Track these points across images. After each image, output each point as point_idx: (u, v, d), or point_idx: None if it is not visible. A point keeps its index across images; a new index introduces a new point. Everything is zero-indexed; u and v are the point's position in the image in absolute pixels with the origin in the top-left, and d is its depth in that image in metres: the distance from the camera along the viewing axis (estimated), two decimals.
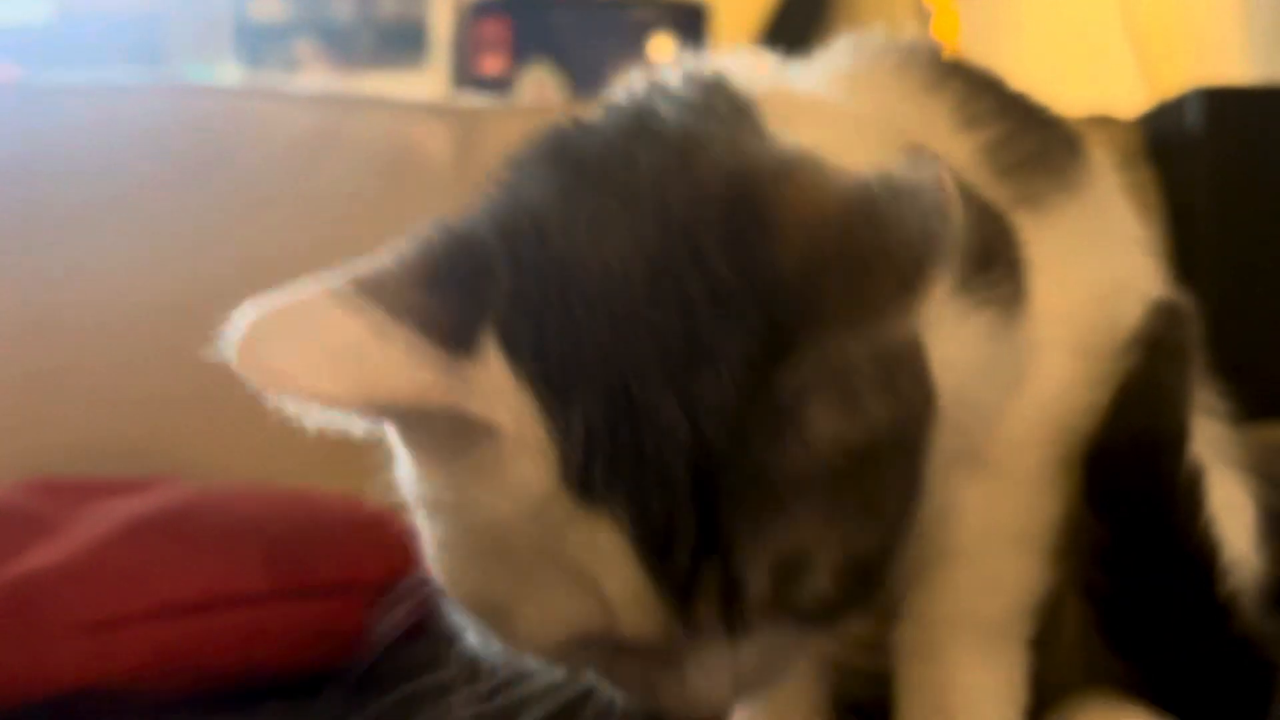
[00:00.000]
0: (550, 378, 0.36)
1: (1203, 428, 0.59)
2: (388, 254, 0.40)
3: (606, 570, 0.37)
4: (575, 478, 0.36)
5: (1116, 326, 0.55)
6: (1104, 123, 1.41)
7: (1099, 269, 0.56)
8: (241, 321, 0.37)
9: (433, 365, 0.36)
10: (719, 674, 0.40)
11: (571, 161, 0.42)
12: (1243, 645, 0.53)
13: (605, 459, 0.36)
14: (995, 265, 0.50)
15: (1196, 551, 0.52)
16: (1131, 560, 0.52)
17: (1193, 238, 1.31)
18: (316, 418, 0.38)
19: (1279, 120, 1.31)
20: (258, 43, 4.01)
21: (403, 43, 4.03)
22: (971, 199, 0.50)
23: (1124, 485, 0.52)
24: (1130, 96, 1.65)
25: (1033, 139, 0.58)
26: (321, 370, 0.36)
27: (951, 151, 0.53)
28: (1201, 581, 0.52)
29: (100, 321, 1.15)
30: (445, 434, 0.38)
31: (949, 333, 0.46)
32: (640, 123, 0.44)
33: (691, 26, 3.35)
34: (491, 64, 3.64)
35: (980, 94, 0.57)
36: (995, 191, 0.53)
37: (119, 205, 1.20)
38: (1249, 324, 1.28)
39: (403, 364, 0.36)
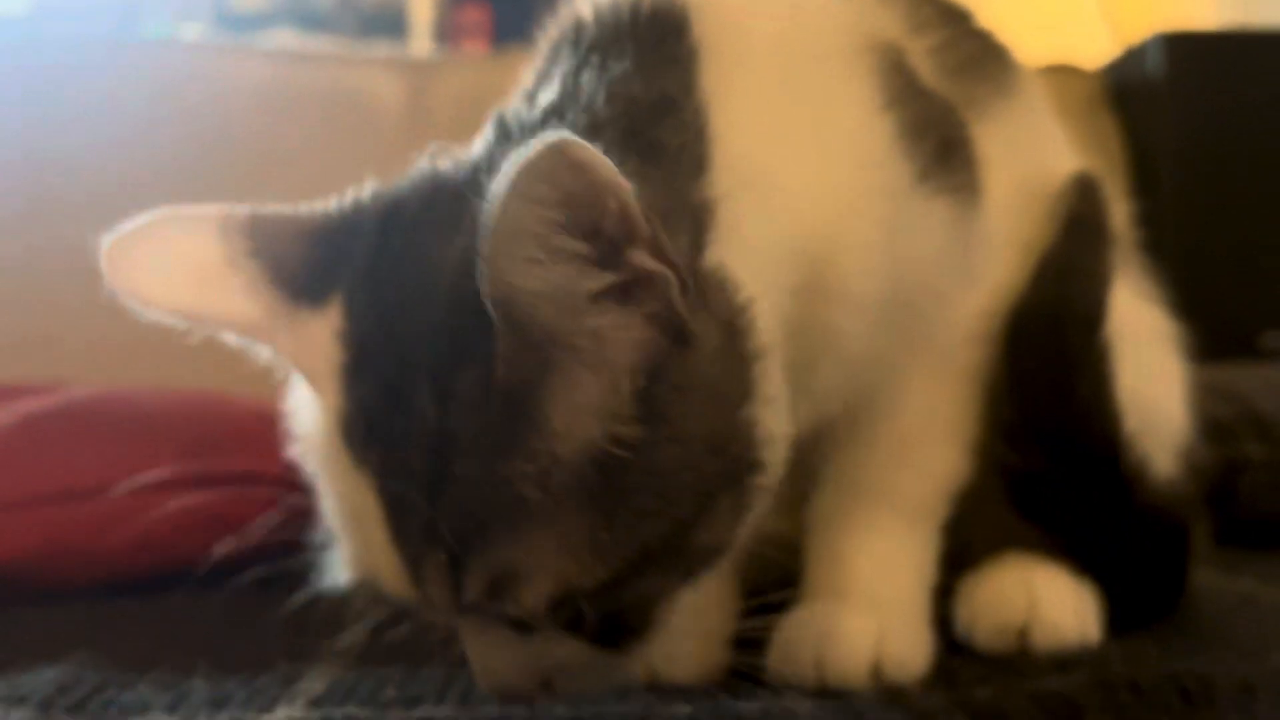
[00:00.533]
0: (360, 345, 0.40)
1: (1140, 310, 0.60)
2: (309, 204, 0.43)
3: (370, 525, 0.39)
4: (344, 434, 0.39)
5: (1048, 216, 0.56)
6: (1067, 72, 1.41)
7: (1033, 166, 0.57)
8: (127, 223, 0.40)
9: (265, 305, 0.40)
10: (499, 659, 0.41)
11: (468, 168, 0.43)
12: (1152, 511, 0.52)
13: (367, 426, 0.39)
14: (952, 158, 0.51)
15: (1100, 424, 0.51)
16: (1039, 435, 0.51)
17: (1158, 181, 1.30)
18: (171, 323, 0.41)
19: (1239, 64, 1.30)
20: (238, 30, 4.00)
21: (383, 29, 4.01)
22: (928, 94, 0.52)
23: (1034, 357, 0.51)
24: (1096, 46, 1.64)
25: (971, 45, 0.59)
26: (164, 283, 0.41)
27: (909, 51, 0.53)
28: (1104, 453, 0.51)
29: (65, 266, 1.16)
30: None
31: (910, 218, 0.48)
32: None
33: None
34: (472, 50, 3.63)
35: (923, 2, 0.58)
36: (946, 92, 0.54)
37: (81, 159, 1.20)
38: (1213, 265, 1.28)
39: (238, 295, 0.40)
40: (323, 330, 0.40)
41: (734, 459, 0.40)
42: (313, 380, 0.41)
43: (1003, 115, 0.57)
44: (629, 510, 0.38)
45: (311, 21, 4.04)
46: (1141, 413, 0.53)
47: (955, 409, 0.52)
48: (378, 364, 0.39)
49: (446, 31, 3.71)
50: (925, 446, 0.52)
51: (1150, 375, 0.57)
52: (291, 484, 0.46)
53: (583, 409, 0.37)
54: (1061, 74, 1.39)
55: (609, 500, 0.38)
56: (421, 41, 3.95)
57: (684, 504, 0.39)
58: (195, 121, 1.25)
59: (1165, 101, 1.30)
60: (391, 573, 0.39)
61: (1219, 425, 0.76)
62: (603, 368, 0.37)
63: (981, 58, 0.59)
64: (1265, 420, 0.77)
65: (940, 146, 0.51)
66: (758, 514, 0.42)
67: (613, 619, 0.40)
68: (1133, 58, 1.36)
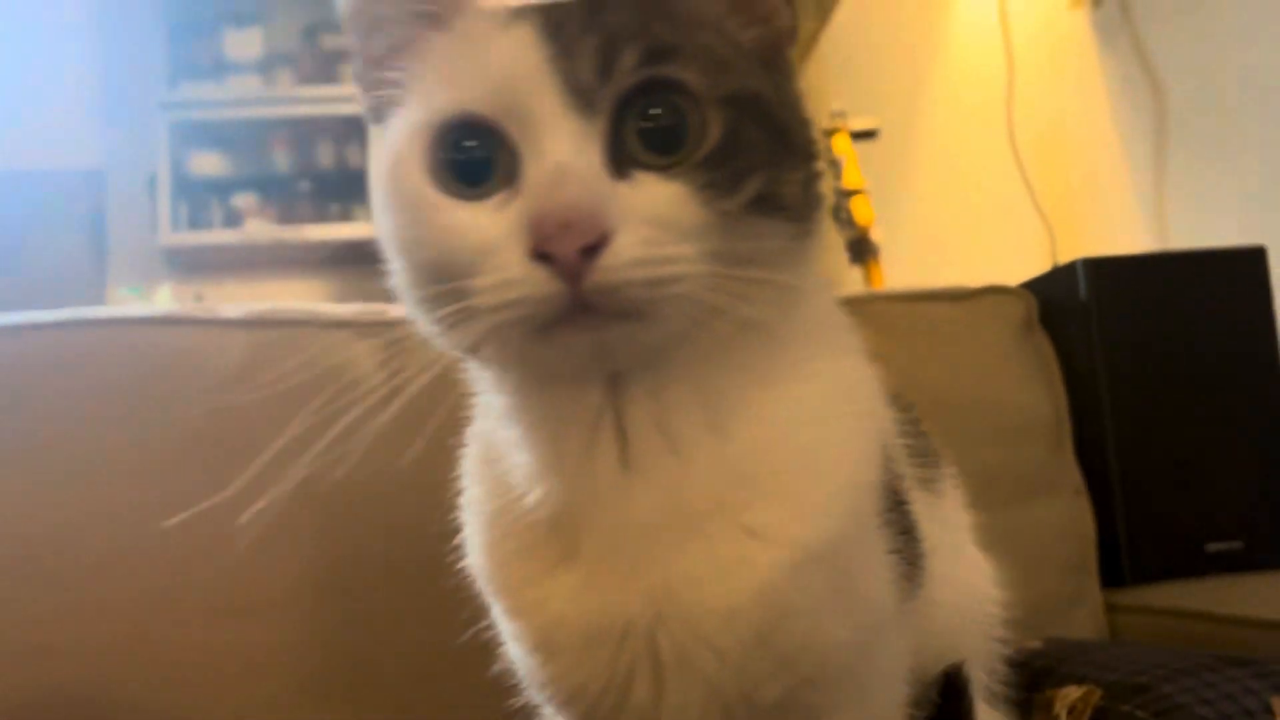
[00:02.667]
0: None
1: None
2: None
3: (508, 56, 0.48)
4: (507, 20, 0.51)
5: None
6: (1004, 291, 1.48)
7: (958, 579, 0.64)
8: None
9: None
10: (583, 169, 0.47)
11: None
12: None
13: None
14: (907, 526, 0.59)
15: None
16: None
17: (1096, 398, 1.38)
18: None
19: (1157, 284, 1.39)
20: (198, 197, 4.07)
21: (341, 191, 4.11)
22: (897, 473, 0.61)
23: None
24: (1035, 262, 1.74)
25: (925, 445, 0.70)
26: None
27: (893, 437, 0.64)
28: None
29: (40, 563, 1.15)
30: None
31: (872, 546, 0.56)
32: None
33: None
34: None
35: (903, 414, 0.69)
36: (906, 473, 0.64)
37: (56, 443, 1.20)
38: (1155, 480, 1.35)
39: None
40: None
41: (810, 146, 0.53)
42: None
43: (936, 512, 0.65)
44: (745, 74, 0.51)
45: (270, 186, 4.14)
46: None
47: None
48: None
49: None
50: None
51: None
52: None
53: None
54: (998, 294, 1.48)
55: (737, 52, 0.51)
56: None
57: (778, 117, 0.51)
58: (171, 399, 1.24)
59: (1092, 321, 1.38)
60: (525, 80, 0.47)
61: None
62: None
63: (928, 455, 0.69)
64: None
65: (899, 511, 0.59)
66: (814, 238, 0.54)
67: (722, 157, 0.48)
68: (1060, 278, 1.44)
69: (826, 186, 2.25)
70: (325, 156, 4.16)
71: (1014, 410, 1.39)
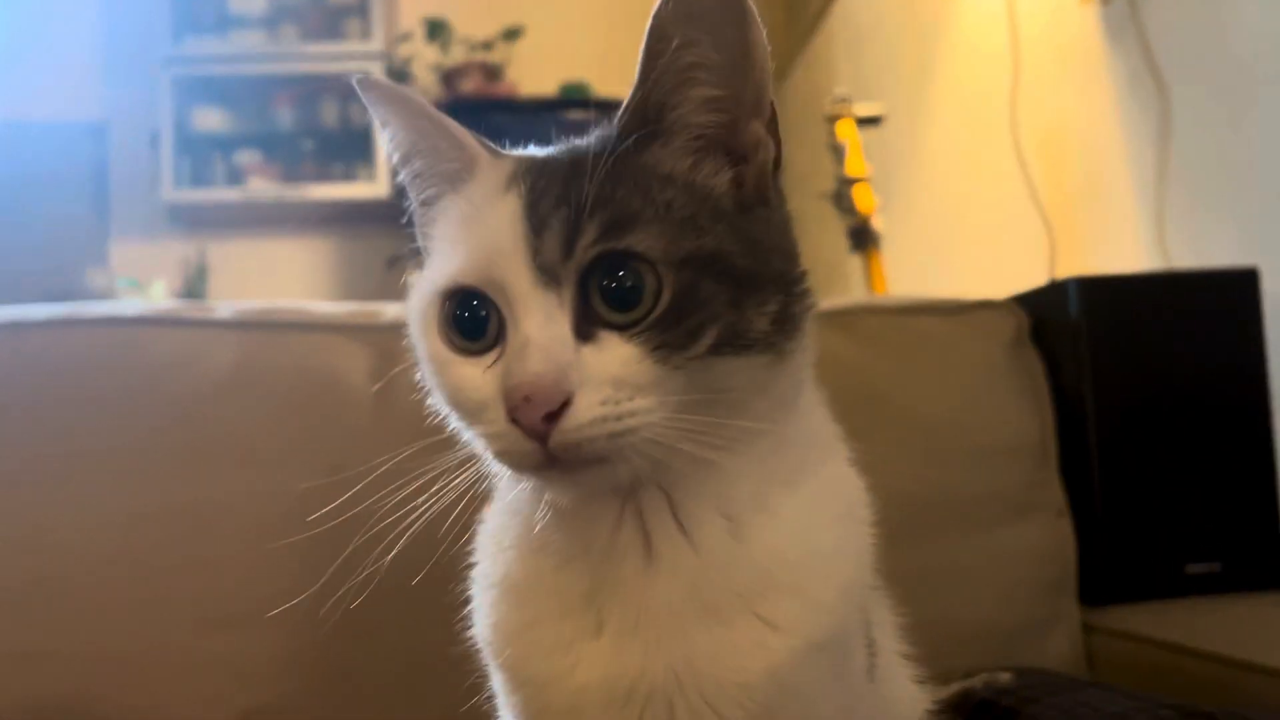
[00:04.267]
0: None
1: None
2: None
3: (494, 231, 0.54)
4: (504, 185, 0.56)
5: None
6: (991, 307, 1.47)
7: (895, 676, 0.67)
8: None
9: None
10: (549, 342, 0.52)
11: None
12: None
13: (528, 188, 0.56)
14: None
15: None
16: None
17: (1083, 415, 1.38)
18: None
19: (1148, 304, 1.39)
20: (201, 153, 4.04)
21: (344, 151, 4.08)
22: None
23: None
24: (1034, 260, 1.72)
25: None
26: None
27: None
28: None
29: (26, 568, 1.15)
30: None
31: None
32: None
33: None
34: None
35: None
36: None
37: (44, 446, 1.20)
38: (1139, 498, 1.36)
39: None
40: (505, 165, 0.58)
41: (787, 276, 0.56)
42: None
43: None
44: (706, 231, 0.54)
45: (273, 144, 4.11)
46: None
47: None
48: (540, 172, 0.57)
49: None
50: None
51: None
52: None
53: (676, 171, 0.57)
54: (989, 308, 1.47)
55: (704, 205, 0.55)
56: (383, 160, 4.01)
57: (739, 266, 0.54)
58: (160, 401, 1.24)
59: (1082, 339, 1.38)
60: (507, 256, 0.53)
61: None
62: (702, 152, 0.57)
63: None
64: None
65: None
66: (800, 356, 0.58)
67: (676, 316, 0.53)
68: (1051, 294, 1.43)
69: (827, 173, 2.24)
70: (329, 115, 4.13)
71: (1001, 428, 1.38)
